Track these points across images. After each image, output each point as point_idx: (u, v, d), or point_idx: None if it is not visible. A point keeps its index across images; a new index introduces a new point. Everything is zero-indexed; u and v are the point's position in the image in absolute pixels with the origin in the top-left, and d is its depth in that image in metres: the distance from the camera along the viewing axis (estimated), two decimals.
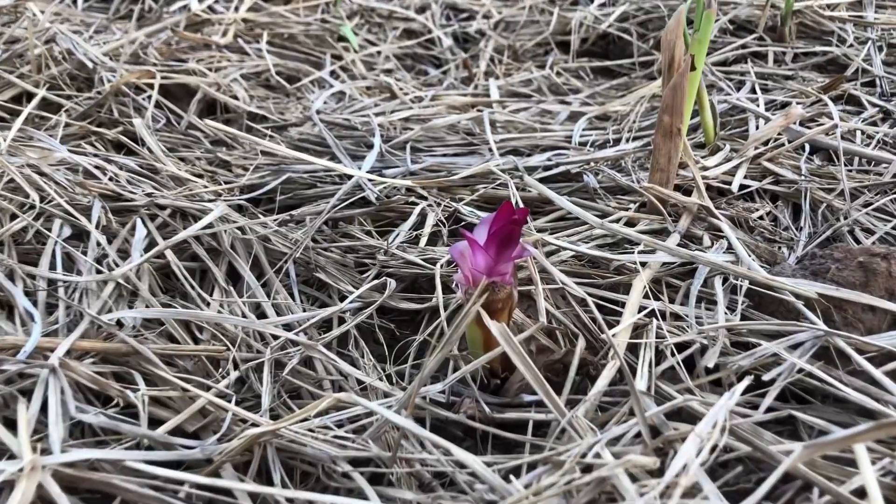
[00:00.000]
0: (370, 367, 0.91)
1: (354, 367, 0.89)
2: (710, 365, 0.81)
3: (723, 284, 0.91)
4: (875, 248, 0.89)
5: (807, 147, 1.25)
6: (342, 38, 1.68)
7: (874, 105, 1.37)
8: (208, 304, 0.98)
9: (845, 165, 1.21)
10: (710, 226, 1.05)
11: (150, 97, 1.35)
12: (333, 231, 1.12)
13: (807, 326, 0.83)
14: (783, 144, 1.24)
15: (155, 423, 0.81)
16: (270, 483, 0.75)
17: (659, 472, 0.67)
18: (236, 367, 0.90)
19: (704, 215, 1.06)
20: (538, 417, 0.79)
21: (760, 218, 1.10)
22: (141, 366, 0.86)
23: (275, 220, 1.10)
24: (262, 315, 0.98)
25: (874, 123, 1.33)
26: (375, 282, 1.00)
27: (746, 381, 0.75)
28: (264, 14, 1.72)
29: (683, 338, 0.84)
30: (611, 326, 0.88)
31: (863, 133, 1.29)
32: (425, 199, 1.15)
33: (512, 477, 0.67)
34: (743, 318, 0.89)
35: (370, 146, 1.26)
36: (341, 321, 0.98)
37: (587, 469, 0.65)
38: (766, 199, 1.17)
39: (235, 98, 1.44)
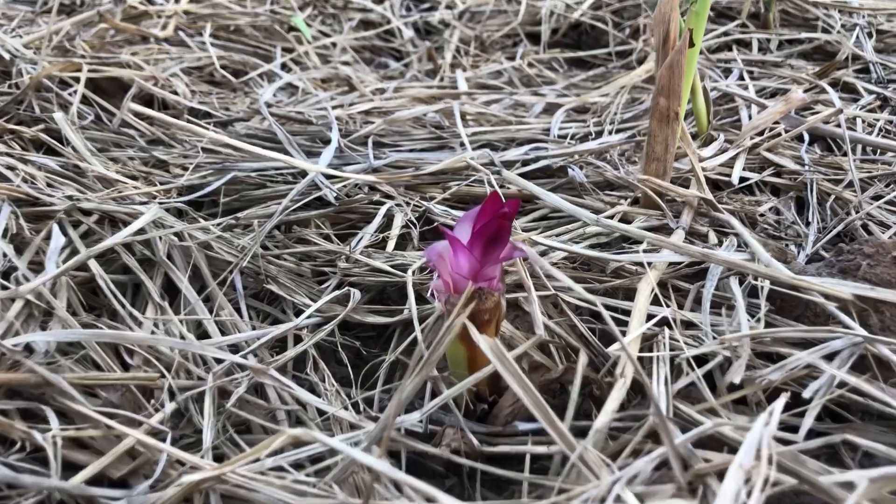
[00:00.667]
0: (332, 393, 0.77)
1: (314, 395, 0.75)
2: (737, 381, 0.69)
3: (739, 286, 0.78)
4: None
5: (805, 136, 1.14)
6: (293, 29, 1.54)
7: (871, 92, 1.27)
8: (140, 324, 0.84)
9: (857, 153, 1.11)
10: (714, 221, 0.93)
11: (76, 91, 1.19)
12: (286, 236, 0.98)
13: (842, 332, 0.71)
14: (779, 134, 1.14)
15: (71, 468, 0.67)
16: None
17: None
18: (172, 397, 0.75)
19: (706, 210, 0.94)
20: (537, 450, 0.66)
21: (766, 213, 0.99)
22: (55, 400, 0.71)
23: (218, 225, 0.96)
24: (203, 335, 0.84)
25: (872, 111, 1.24)
26: (337, 293, 0.86)
27: (783, 399, 0.63)
28: (207, 5, 1.57)
29: (702, 349, 0.71)
30: (613, 339, 0.75)
31: (863, 121, 1.19)
32: (391, 198, 1.01)
33: None
34: (766, 324, 0.77)
35: (327, 141, 1.13)
36: (297, 340, 0.84)
37: None
38: (767, 192, 1.06)
39: (175, 93, 1.29)
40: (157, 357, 0.79)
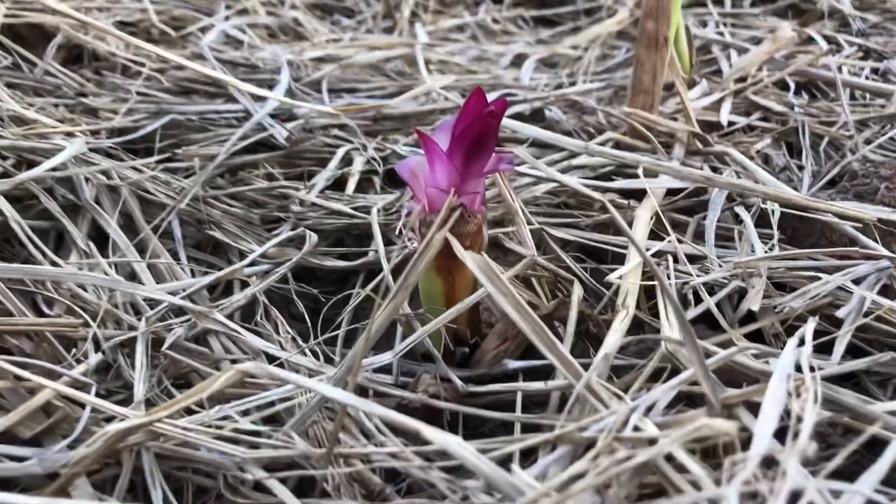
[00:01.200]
0: (288, 341, 0.66)
1: (267, 342, 0.65)
2: (755, 308, 0.60)
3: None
4: None
5: (791, 84, 1.07)
6: None
7: (852, 44, 1.21)
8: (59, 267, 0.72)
9: (839, 98, 1.04)
10: (708, 158, 0.85)
11: None
12: (231, 181, 0.87)
13: (870, 253, 0.63)
14: (761, 80, 1.06)
15: None
16: None
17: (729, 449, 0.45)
18: (98, 348, 0.64)
19: (697, 148, 0.86)
20: (532, 387, 0.56)
21: (757, 154, 0.91)
22: None
23: (152, 165, 0.84)
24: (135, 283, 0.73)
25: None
26: (290, 234, 0.76)
27: (813, 322, 0.54)
28: None
29: (712, 276, 0.62)
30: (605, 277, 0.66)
31: (849, 69, 1.12)
32: (349, 142, 0.91)
33: (515, 467, 0.44)
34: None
35: (273, 87, 1.02)
36: (244, 287, 0.73)
37: (636, 445, 0.43)
38: (755, 136, 0.99)
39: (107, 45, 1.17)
40: (81, 306, 0.67)
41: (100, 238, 0.79)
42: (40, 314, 0.67)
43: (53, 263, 0.72)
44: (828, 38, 1.23)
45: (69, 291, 0.69)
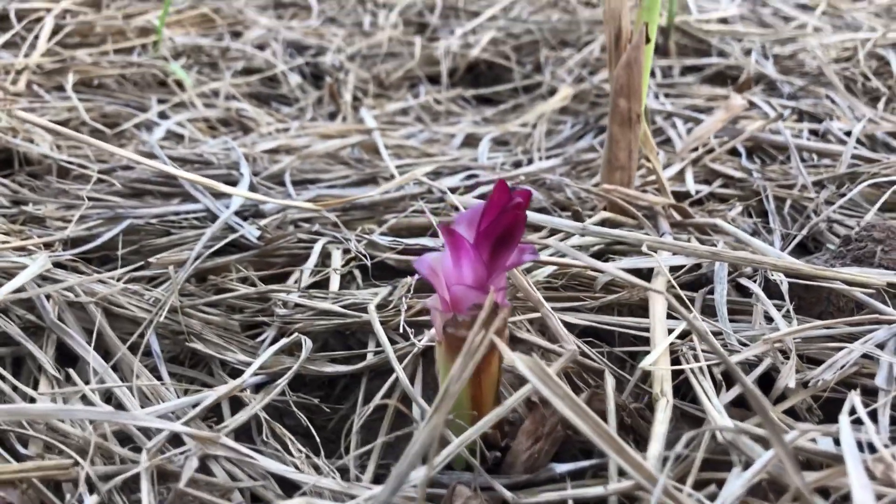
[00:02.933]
0: (303, 461, 0.61)
1: (282, 464, 0.59)
2: (791, 384, 0.59)
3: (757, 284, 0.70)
4: None
5: (741, 148, 1.10)
6: (165, 83, 1.38)
7: (785, 107, 1.26)
8: (34, 402, 0.65)
9: (789, 161, 1.07)
10: (697, 229, 0.85)
11: None
12: (200, 287, 0.82)
13: (886, 319, 0.63)
14: (713, 150, 1.09)
15: None
16: None
17: None
18: (92, 489, 0.57)
19: (678, 220, 0.86)
20: (590, 494, 0.53)
21: (733, 220, 0.92)
22: None
23: (118, 277, 0.78)
24: (118, 409, 0.66)
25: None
26: (284, 341, 0.71)
27: (856, 395, 0.53)
28: (58, 60, 1.39)
29: (745, 354, 0.61)
30: (625, 362, 0.64)
31: (791, 132, 1.16)
32: (322, 235, 0.87)
33: None
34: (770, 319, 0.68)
35: (232, 183, 0.98)
36: (235, 405, 0.68)
37: None
38: (715, 203, 1.00)
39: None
40: (63, 441, 0.61)
41: (63, 359, 0.72)
42: (16, 457, 0.60)
43: (22, 394, 0.65)
44: (765, 104, 1.28)
45: (45, 425, 0.62)
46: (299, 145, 1.08)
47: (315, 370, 0.70)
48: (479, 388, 0.59)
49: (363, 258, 0.79)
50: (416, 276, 0.76)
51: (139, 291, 0.75)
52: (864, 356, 0.62)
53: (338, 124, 1.20)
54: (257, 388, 0.69)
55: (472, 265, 0.55)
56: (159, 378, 0.71)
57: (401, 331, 0.69)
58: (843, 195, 0.96)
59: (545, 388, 0.49)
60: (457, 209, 0.92)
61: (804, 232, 0.92)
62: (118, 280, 0.78)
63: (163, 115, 1.26)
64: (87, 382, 0.69)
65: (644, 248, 0.71)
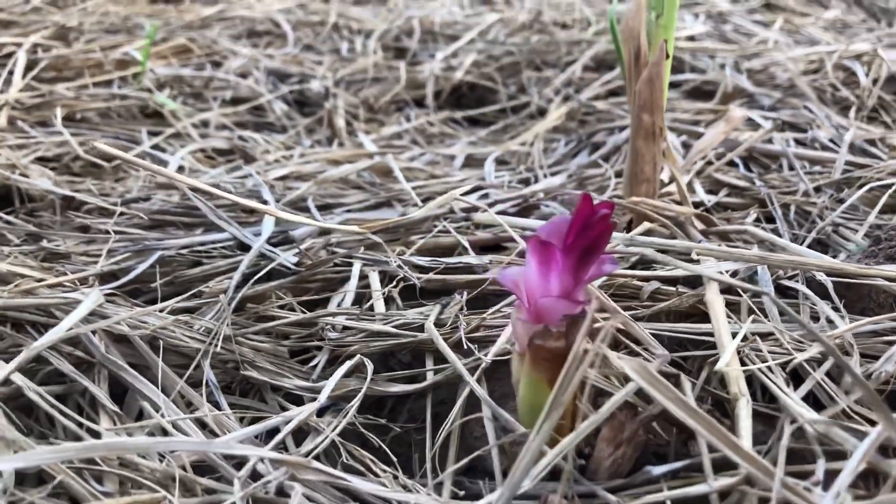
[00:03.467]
0: (389, 479, 0.61)
1: (377, 485, 0.59)
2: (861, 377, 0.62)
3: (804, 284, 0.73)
4: None
5: (736, 159, 1.14)
6: (153, 115, 1.37)
7: (767, 118, 1.31)
8: (99, 437, 0.64)
9: (785, 170, 1.12)
10: (723, 236, 0.88)
11: None
12: (241, 316, 0.81)
13: None
14: (711, 162, 1.13)
15: None
16: None
17: None
18: None
19: (704, 228, 0.89)
20: (694, 492, 0.54)
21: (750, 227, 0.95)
22: None
23: (160, 309, 0.77)
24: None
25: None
26: (348, 364, 0.71)
27: None
28: (37, 95, 1.36)
29: (810, 352, 0.64)
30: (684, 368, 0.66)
31: (781, 142, 1.21)
32: (354, 258, 0.87)
33: None
34: (830, 322, 0.71)
35: (248, 211, 0.97)
36: (299, 435, 0.67)
37: None
38: (725, 211, 1.04)
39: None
40: (141, 476, 0.60)
41: (116, 395, 0.71)
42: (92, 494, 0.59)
43: (89, 430, 0.64)
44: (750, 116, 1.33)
45: (118, 461, 0.61)
46: (309, 171, 1.08)
47: (380, 390, 0.70)
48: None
49: (409, 279, 0.80)
50: (465, 294, 0.77)
51: (189, 322, 0.75)
52: None
53: (341, 149, 1.21)
54: (320, 412, 0.69)
55: (559, 277, 0.57)
56: (218, 408, 0.70)
57: (464, 347, 0.70)
58: (842, 200, 1.01)
59: (654, 389, 0.51)
60: (480, 227, 0.93)
61: (813, 235, 0.96)
62: (162, 312, 0.77)
63: (157, 147, 1.25)
64: (140, 417, 0.68)
65: (693, 255, 0.74)
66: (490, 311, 0.75)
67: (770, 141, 1.18)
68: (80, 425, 0.64)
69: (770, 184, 1.06)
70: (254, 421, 0.71)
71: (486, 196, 1.04)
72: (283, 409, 0.72)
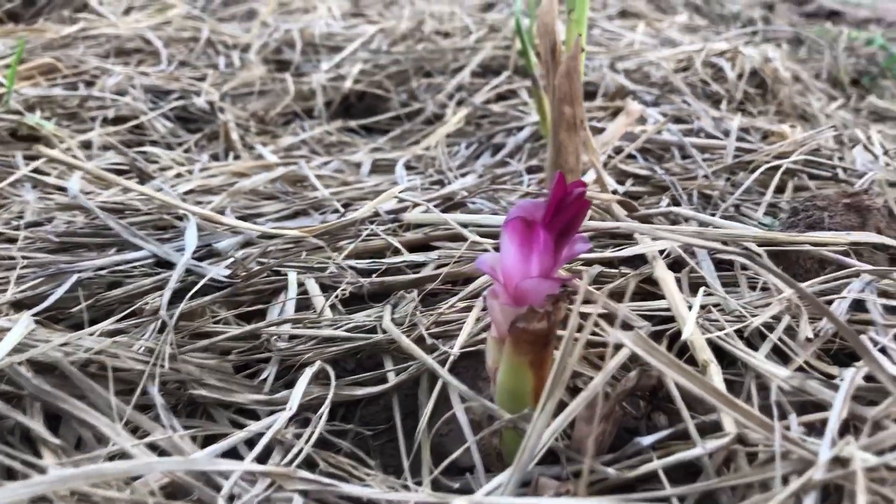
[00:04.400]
0: (379, 481, 0.59)
1: (364, 486, 0.57)
2: (811, 335, 0.65)
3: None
4: (848, 188, 0.82)
5: (633, 151, 1.19)
6: (27, 138, 1.27)
7: (660, 113, 1.38)
8: (43, 473, 0.58)
9: (677, 158, 1.17)
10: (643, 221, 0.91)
11: None
12: (176, 335, 0.77)
13: (865, 269, 0.72)
14: (612, 156, 1.17)
15: None
16: None
17: None
18: None
19: (627, 214, 0.92)
20: (691, 454, 0.55)
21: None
22: None
23: (92, 333, 0.72)
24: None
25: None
26: (310, 371, 0.68)
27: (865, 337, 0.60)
28: None
29: (766, 314, 0.67)
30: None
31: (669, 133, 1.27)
32: (288, 267, 0.84)
33: None
34: (765, 289, 0.75)
35: (163, 227, 0.92)
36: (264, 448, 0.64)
37: None
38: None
39: None
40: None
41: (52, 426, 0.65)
42: None
43: (30, 465, 0.58)
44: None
45: (73, 495, 0.56)
46: (217, 184, 1.04)
47: (346, 395, 0.68)
48: (541, 381, 0.60)
49: (354, 282, 0.78)
50: (418, 292, 0.76)
51: (128, 343, 0.70)
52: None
53: (243, 162, 1.16)
54: (288, 422, 0.66)
55: (540, 257, 0.57)
56: (173, 428, 0.66)
57: (427, 342, 0.69)
58: (739, 183, 1.07)
59: (653, 359, 0.52)
60: (410, 228, 0.93)
61: (719, 214, 1.02)
62: (92, 336, 0.71)
63: (38, 171, 1.16)
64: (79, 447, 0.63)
65: (636, 236, 0.76)
66: (444, 306, 0.74)
67: (660, 132, 1.24)
68: (29, 464, 0.58)
69: (671, 172, 1.11)
70: (207, 440, 0.67)
71: (405, 200, 1.03)
72: (236, 425, 0.69)
